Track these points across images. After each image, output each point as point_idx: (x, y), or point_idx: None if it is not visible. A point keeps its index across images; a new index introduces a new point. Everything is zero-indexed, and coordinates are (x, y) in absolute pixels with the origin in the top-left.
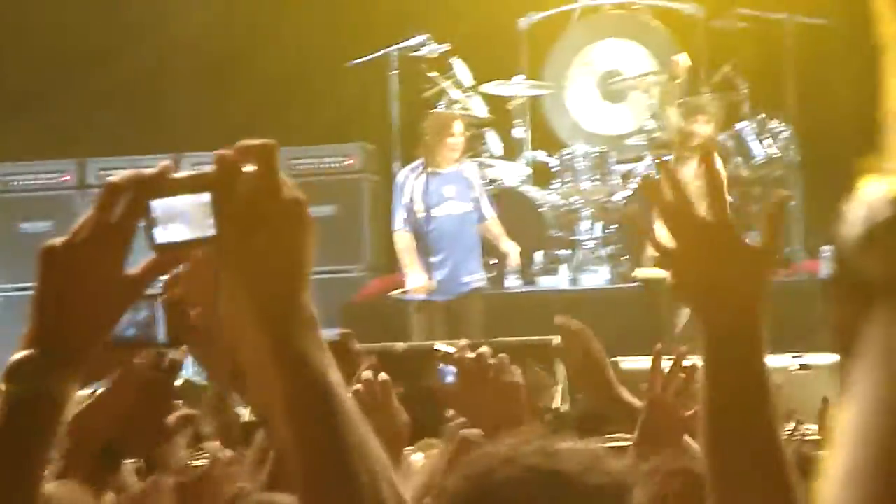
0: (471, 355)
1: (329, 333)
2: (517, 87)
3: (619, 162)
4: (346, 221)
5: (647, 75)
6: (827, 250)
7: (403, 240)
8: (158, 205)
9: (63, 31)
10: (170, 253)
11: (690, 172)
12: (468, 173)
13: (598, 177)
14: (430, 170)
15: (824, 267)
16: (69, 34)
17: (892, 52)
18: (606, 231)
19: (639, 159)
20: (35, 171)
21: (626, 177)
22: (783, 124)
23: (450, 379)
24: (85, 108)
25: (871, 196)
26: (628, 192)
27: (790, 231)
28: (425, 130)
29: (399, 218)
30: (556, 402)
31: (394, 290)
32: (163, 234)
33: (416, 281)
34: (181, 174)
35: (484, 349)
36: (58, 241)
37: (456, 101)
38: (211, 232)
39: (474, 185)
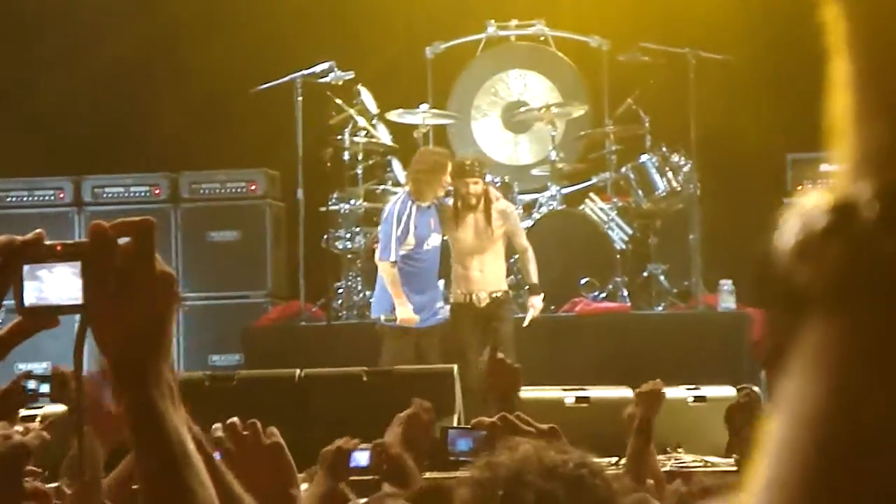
0: (221, 434)
1: (230, 359)
2: (422, 116)
3: (522, 192)
4: (249, 247)
5: (552, 106)
6: (725, 283)
7: (395, 272)
8: (29, 269)
9: None
10: (36, 317)
11: (470, 225)
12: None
13: None
14: (417, 203)
15: (722, 300)
16: None
17: (837, 61)
18: (508, 261)
19: (542, 189)
20: None
21: (528, 207)
22: (685, 158)
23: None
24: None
25: (807, 207)
26: (530, 223)
27: (689, 263)
28: (417, 166)
29: (393, 249)
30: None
31: (294, 316)
32: (31, 299)
33: (407, 313)
34: (53, 242)
35: (234, 420)
36: None
37: (361, 129)
38: (78, 300)
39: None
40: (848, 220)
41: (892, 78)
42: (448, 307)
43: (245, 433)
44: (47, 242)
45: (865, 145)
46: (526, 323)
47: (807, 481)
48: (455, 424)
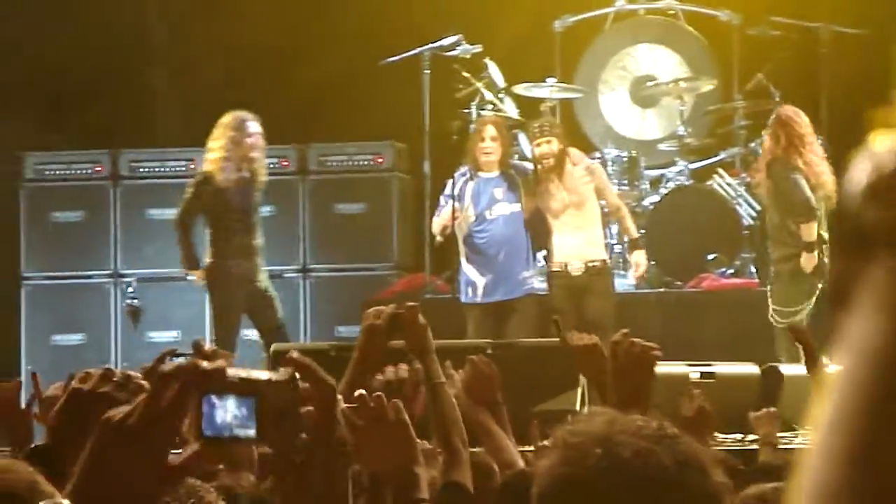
0: (347, 406)
1: (355, 330)
2: (549, 90)
3: (648, 167)
4: (375, 219)
5: (680, 81)
6: None
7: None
8: (208, 399)
9: (103, 29)
10: (213, 446)
11: (554, 189)
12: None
13: (627, 181)
14: (476, 174)
15: None
16: (106, 32)
17: None
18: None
19: (669, 165)
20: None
21: (655, 182)
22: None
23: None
24: (124, 100)
25: (877, 149)
26: (657, 198)
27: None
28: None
29: (444, 214)
30: (577, 405)
31: (420, 288)
32: (209, 428)
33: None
34: (235, 373)
35: (362, 392)
36: (116, 415)
37: (488, 102)
38: (252, 433)
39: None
40: None
41: None
42: (540, 278)
43: (371, 406)
44: (227, 373)
45: None
46: (633, 279)
47: (872, 415)
48: (579, 400)
